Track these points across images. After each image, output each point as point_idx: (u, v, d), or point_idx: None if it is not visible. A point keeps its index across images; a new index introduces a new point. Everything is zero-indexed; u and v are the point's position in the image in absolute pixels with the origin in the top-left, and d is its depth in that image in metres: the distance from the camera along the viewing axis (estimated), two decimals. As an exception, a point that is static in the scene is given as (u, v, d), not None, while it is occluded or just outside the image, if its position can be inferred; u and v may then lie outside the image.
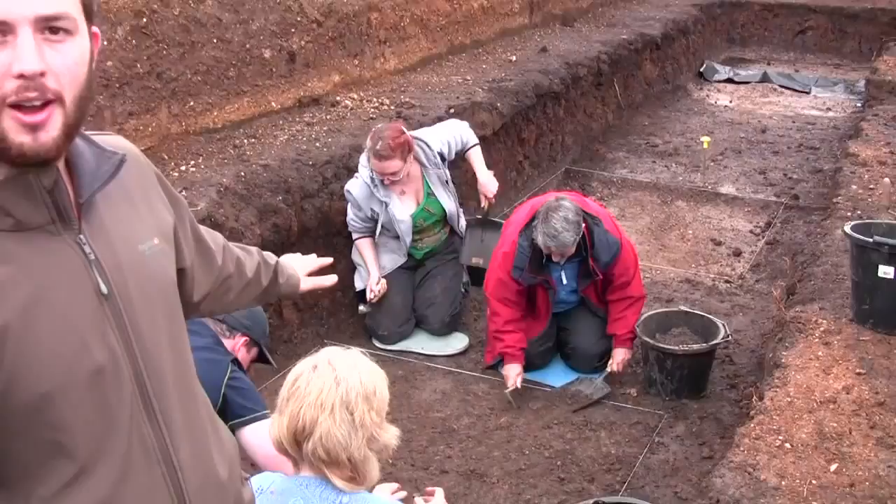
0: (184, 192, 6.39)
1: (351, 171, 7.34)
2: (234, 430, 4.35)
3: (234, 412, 4.37)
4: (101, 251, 2.15)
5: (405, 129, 6.99)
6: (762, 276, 8.33)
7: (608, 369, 6.59)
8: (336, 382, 3.10)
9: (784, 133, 12.58)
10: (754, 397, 5.22)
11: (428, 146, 7.14)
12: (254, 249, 3.21)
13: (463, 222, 7.48)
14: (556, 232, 6.10)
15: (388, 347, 7.04)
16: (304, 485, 3.19)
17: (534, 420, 6.28)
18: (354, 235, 7.21)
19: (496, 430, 6.17)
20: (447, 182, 7.22)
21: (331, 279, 3.72)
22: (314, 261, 3.66)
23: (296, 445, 3.14)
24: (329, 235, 7.25)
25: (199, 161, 6.98)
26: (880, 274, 5.50)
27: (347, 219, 7.16)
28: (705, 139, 10.74)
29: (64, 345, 2.05)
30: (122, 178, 2.25)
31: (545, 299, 6.64)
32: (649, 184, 10.52)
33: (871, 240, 5.53)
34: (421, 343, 7.09)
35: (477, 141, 7.67)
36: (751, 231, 9.40)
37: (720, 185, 10.49)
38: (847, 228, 5.77)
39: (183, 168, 6.82)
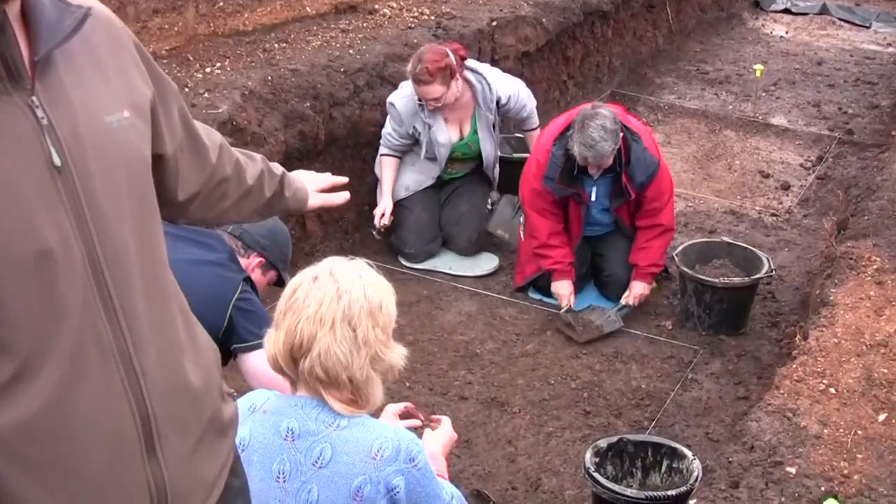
0: (206, 95, 6.15)
1: (384, 80, 7.03)
2: (236, 354, 4.12)
3: (238, 335, 4.07)
4: (57, 117, 1.85)
5: (450, 53, 6.49)
6: (811, 211, 7.96)
7: (622, 302, 6.29)
8: (338, 295, 2.82)
9: (841, 66, 12.10)
10: (798, 336, 4.88)
11: (489, 85, 6.67)
12: (258, 157, 2.88)
13: (497, 170, 7.04)
14: (592, 141, 5.76)
15: (415, 266, 6.73)
16: (299, 405, 2.92)
17: (561, 349, 6.00)
18: (383, 150, 6.82)
19: (521, 357, 5.90)
20: (494, 127, 6.79)
21: (342, 196, 3.41)
22: (327, 178, 3.37)
23: (292, 363, 2.86)
24: (358, 146, 6.93)
25: (226, 63, 6.69)
26: (941, 210, 5.12)
27: (383, 132, 6.77)
28: (758, 67, 10.33)
29: (5, 221, 1.77)
30: (90, 38, 1.95)
31: (577, 216, 6.30)
32: (697, 111, 10.12)
33: (933, 173, 5.15)
34: (448, 263, 6.76)
35: (538, 123, 7.12)
36: (801, 165, 9.01)
37: (771, 116, 10.09)
38: (907, 160, 5.38)
39: (208, 70, 6.54)
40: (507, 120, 7.24)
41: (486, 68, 6.84)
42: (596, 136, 5.74)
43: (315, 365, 2.79)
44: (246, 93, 6.23)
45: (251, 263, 4.36)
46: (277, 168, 2.97)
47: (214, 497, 2.28)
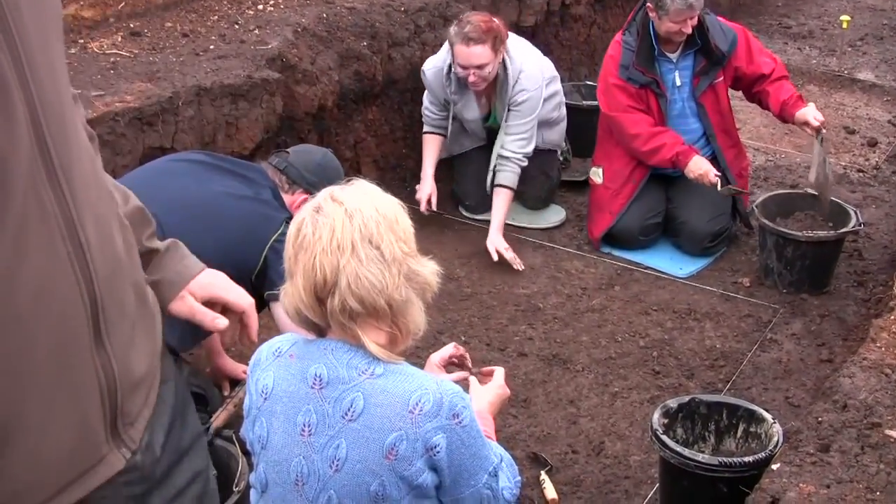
0: (256, 31, 5.92)
1: (447, 20, 6.64)
2: (268, 302, 3.85)
3: (272, 281, 3.79)
4: None
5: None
6: (900, 168, 7.51)
7: (811, 129, 5.79)
8: (349, 216, 2.49)
9: (932, 22, 11.60)
10: (895, 285, 4.44)
11: (516, 80, 5.95)
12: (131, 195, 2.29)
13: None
14: None
15: (476, 217, 6.34)
16: (329, 349, 2.58)
17: (630, 304, 5.63)
18: (425, 127, 6.29)
19: (587, 312, 5.54)
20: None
21: (219, 323, 2.46)
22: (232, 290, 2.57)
23: (318, 307, 2.52)
24: (419, 90, 6.55)
25: (280, 1, 6.38)
26: None
27: (423, 105, 6.29)
28: (845, 18, 9.83)
29: None
30: None
31: (659, 115, 5.92)
32: (779, 65, 9.66)
33: None
34: (512, 214, 6.29)
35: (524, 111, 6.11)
36: (889, 121, 8.54)
37: (857, 72, 9.61)
38: None
39: (260, 7, 6.28)
40: None
41: (521, 55, 6.05)
42: None
43: (347, 297, 2.46)
44: (299, 30, 5.95)
45: (296, 201, 4.06)
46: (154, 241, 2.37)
47: (152, 400, 1.99)
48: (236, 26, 5.94)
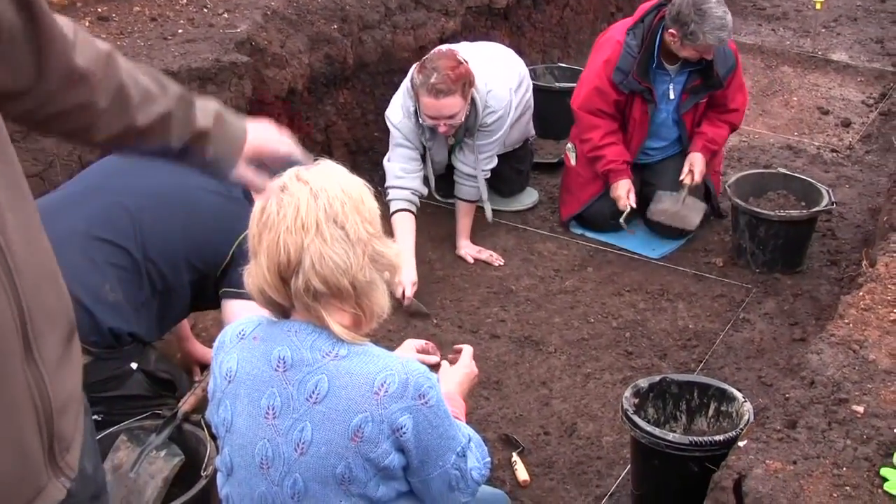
0: (224, 15, 5.86)
1: (418, 3, 6.64)
2: (222, 298, 3.87)
3: (231, 279, 3.77)
4: None
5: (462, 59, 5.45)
6: (873, 147, 7.50)
7: (686, 181, 5.90)
8: (314, 195, 2.47)
9: (906, 3, 11.60)
10: (864, 262, 4.42)
11: (482, 107, 5.58)
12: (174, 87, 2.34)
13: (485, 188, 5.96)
14: (723, 20, 5.41)
15: (450, 200, 6.18)
16: (293, 331, 2.56)
17: (603, 285, 5.62)
18: (395, 204, 5.58)
19: (559, 293, 5.52)
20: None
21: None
22: (282, 142, 2.70)
23: (282, 286, 2.50)
24: (390, 72, 6.52)
25: (250, -17, 6.29)
26: None
27: (388, 172, 5.66)
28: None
29: None
30: None
31: (642, 121, 5.88)
32: (753, 46, 9.64)
33: None
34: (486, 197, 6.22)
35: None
36: (863, 101, 8.53)
37: (831, 52, 9.59)
38: None
39: (230, -10, 6.16)
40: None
41: (486, 73, 5.61)
42: (721, 13, 5.42)
43: (311, 277, 2.44)
44: (268, 13, 5.87)
45: None
46: (213, 102, 2.46)
47: (81, 425, 1.97)
48: (205, 10, 5.89)
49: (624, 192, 5.81)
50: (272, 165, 2.62)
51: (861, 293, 3.87)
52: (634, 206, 5.83)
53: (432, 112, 5.33)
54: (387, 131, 5.71)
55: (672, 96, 5.81)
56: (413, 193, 5.56)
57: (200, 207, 3.85)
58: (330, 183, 2.50)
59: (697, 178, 5.87)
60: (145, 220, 3.71)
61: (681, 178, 5.88)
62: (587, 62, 6.07)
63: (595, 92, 5.76)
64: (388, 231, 5.10)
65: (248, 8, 5.89)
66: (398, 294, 5.23)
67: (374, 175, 6.19)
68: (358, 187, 2.57)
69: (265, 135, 2.62)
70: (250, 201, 3.88)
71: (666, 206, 5.89)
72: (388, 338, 4.85)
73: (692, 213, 5.87)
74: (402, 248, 5.34)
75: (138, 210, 3.72)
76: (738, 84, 5.94)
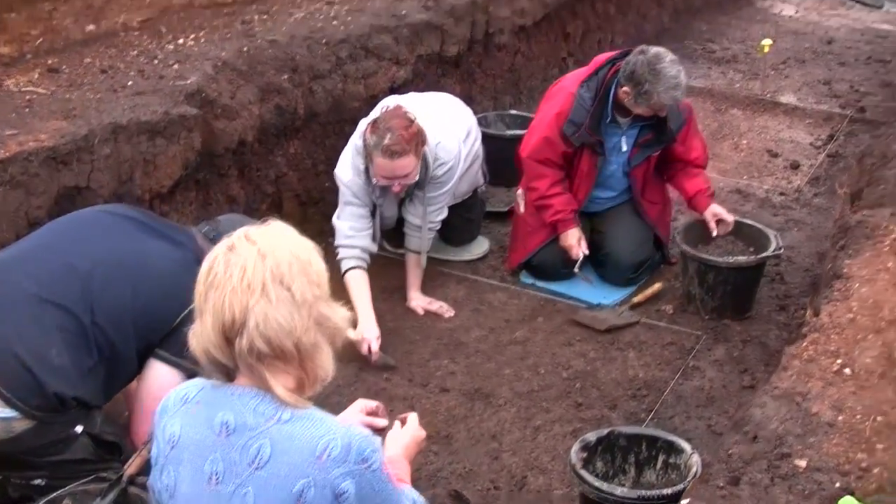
0: (175, 66, 5.84)
1: (369, 52, 6.64)
2: (152, 358, 3.80)
3: (169, 344, 3.74)
4: None
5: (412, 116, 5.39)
6: (821, 190, 7.59)
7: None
8: (261, 256, 2.47)
9: (852, 45, 11.75)
10: (808, 311, 4.46)
11: (433, 160, 5.57)
12: None
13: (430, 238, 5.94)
14: (677, 79, 5.44)
15: (399, 251, 6.13)
16: (236, 395, 2.55)
17: (553, 335, 5.62)
18: (347, 262, 5.54)
19: (509, 344, 5.53)
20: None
21: None
22: None
23: (227, 346, 2.48)
24: (341, 122, 6.52)
25: (200, 35, 6.36)
26: (961, 175, 4.67)
27: (339, 231, 5.61)
28: (765, 42, 9.96)
29: None
30: None
31: (589, 173, 5.91)
32: (703, 90, 9.72)
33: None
34: (436, 248, 6.17)
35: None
36: (811, 143, 8.63)
37: (780, 95, 9.71)
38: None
39: (180, 41, 6.22)
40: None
41: (434, 124, 5.55)
42: (675, 73, 5.46)
43: (255, 338, 2.43)
44: (219, 64, 5.88)
45: None
46: None
47: None
48: (155, 61, 5.88)
49: (575, 241, 5.84)
50: None
51: (805, 344, 3.91)
52: (587, 252, 5.85)
53: (386, 173, 5.31)
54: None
55: (624, 149, 5.85)
56: (363, 251, 5.55)
57: (155, 274, 3.82)
58: (278, 243, 2.51)
59: (729, 218, 5.90)
60: (95, 284, 3.68)
61: (713, 234, 5.89)
62: (537, 111, 6.11)
63: (544, 142, 5.78)
64: (340, 289, 5.16)
65: (199, 59, 5.89)
66: (364, 351, 5.23)
67: (325, 226, 6.18)
68: (306, 249, 2.57)
69: None
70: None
71: (599, 314, 5.83)
72: (338, 392, 4.83)
73: (616, 319, 5.79)
74: (360, 304, 5.37)
75: (89, 274, 3.69)
76: (692, 133, 6.00)
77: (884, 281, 4.36)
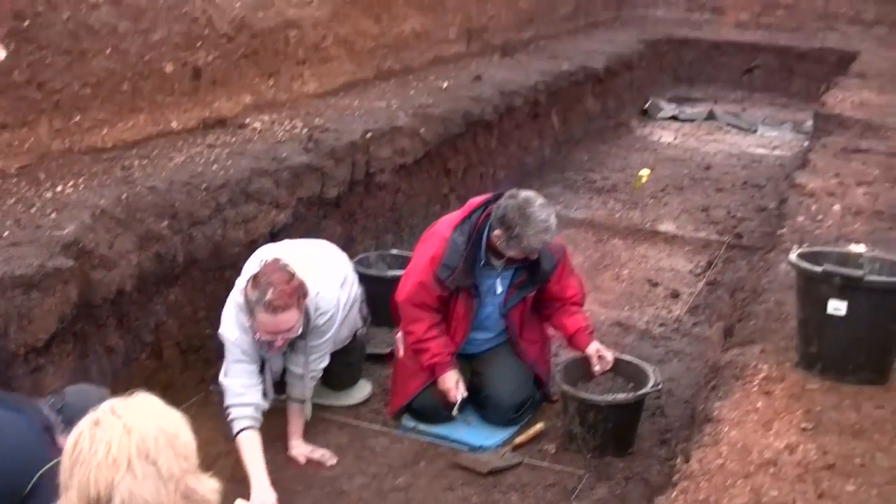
0: (52, 216, 5.73)
1: (249, 196, 6.65)
2: None
3: None
4: None
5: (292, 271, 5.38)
6: (700, 318, 7.75)
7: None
8: (126, 431, 2.47)
9: (729, 170, 12.16)
10: (679, 458, 4.51)
11: (313, 309, 5.59)
12: None
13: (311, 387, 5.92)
14: (546, 223, 5.54)
15: (282, 397, 5.99)
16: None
17: (436, 480, 5.58)
18: (239, 423, 5.40)
19: (392, 491, 5.47)
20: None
21: None
22: None
23: None
24: (222, 268, 6.51)
25: (80, 182, 6.27)
26: (830, 310, 4.75)
27: (228, 391, 5.48)
28: (643, 172, 10.20)
29: None
30: None
31: (465, 315, 5.97)
32: (584, 221, 9.96)
33: (819, 269, 4.82)
34: (317, 393, 6.13)
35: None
36: (690, 271, 8.83)
37: (659, 223, 9.96)
38: (793, 257, 5.04)
39: (59, 189, 6.12)
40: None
41: (311, 275, 5.55)
42: (545, 216, 5.55)
43: None
44: (97, 212, 5.80)
45: None
46: None
47: None
48: (33, 210, 5.81)
49: (452, 384, 5.87)
50: None
51: (675, 494, 3.95)
52: (465, 394, 5.88)
53: (270, 328, 5.25)
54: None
55: (499, 291, 5.93)
56: (256, 409, 5.45)
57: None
58: (144, 417, 2.51)
59: (609, 356, 5.97)
60: None
61: (595, 370, 5.95)
62: (413, 255, 6.18)
63: (419, 287, 5.83)
64: (233, 450, 5.10)
65: (77, 207, 5.82)
66: None
67: (206, 373, 6.17)
68: (173, 421, 2.56)
69: None
70: (50, 434, 3.81)
71: (481, 457, 5.81)
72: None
73: (498, 461, 5.77)
74: (254, 469, 5.26)
75: None
76: (566, 273, 6.09)
77: (752, 422, 4.45)
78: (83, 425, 2.51)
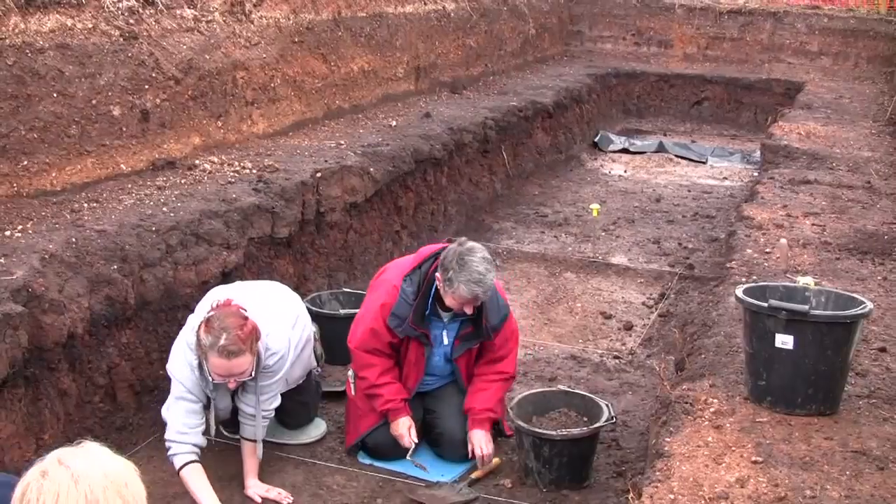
0: (1, 260, 5.68)
1: (199, 237, 6.66)
2: None
3: None
4: None
5: (244, 311, 5.40)
6: (654, 350, 7.78)
7: (473, 463, 5.98)
8: (74, 481, 2.46)
9: (679, 202, 12.24)
10: (631, 495, 4.52)
11: (265, 350, 5.57)
12: None
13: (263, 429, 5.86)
14: (480, 275, 5.49)
15: (236, 436, 6.00)
16: None
17: (393, 518, 5.55)
18: (182, 457, 5.43)
19: (349, 529, 5.44)
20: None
21: None
22: None
23: None
24: (174, 309, 6.50)
25: (28, 226, 6.25)
26: (778, 344, 4.81)
27: (171, 428, 5.49)
28: (594, 207, 10.26)
29: None
30: None
31: (418, 361, 5.97)
32: (537, 255, 9.99)
33: (766, 305, 4.87)
34: (272, 431, 6.15)
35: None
36: (643, 303, 8.88)
37: (611, 256, 10.02)
38: (739, 292, 5.08)
39: (7, 234, 6.10)
40: None
41: (262, 315, 5.54)
42: (482, 269, 5.51)
43: None
44: (46, 257, 5.78)
45: None
46: None
47: None
48: (-20, 256, 5.80)
49: (405, 430, 5.88)
50: None
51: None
52: (417, 441, 5.88)
53: (223, 372, 5.27)
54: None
55: (445, 342, 5.95)
56: (195, 447, 5.48)
57: None
58: (92, 467, 2.49)
59: (488, 452, 5.94)
60: None
61: (473, 459, 5.94)
62: (364, 300, 6.17)
63: (371, 333, 5.85)
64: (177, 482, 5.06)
65: (26, 252, 5.79)
66: None
67: (160, 415, 6.10)
68: (121, 470, 2.55)
69: None
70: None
71: (443, 492, 5.79)
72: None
73: (455, 496, 5.75)
74: (205, 497, 5.35)
75: None
76: (509, 332, 6.08)
77: (703, 457, 4.47)
78: (30, 476, 2.49)
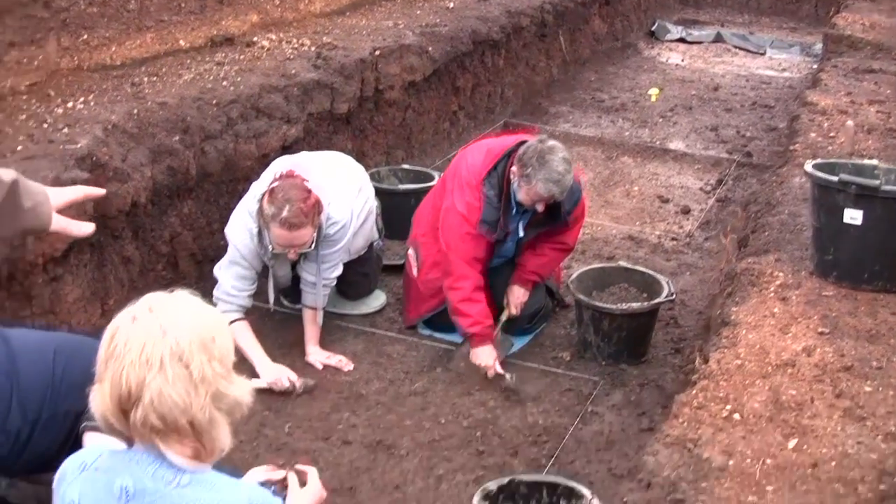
0: (65, 130, 5.72)
1: (260, 111, 6.66)
2: (83, 432, 3.60)
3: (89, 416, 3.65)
4: None
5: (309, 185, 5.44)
6: (712, 234, 7.74)
7: (504, 316, 5.97)
8: (162, 331, 2.46)
9: (737, 91, 12.07)
10: (698, 359, 4.53)
11: (327, 219, 5.60)
12: None
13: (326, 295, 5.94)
14: (559, 175, 5.41)
15: (297, 306, 6.07)
16: (134, 460, 2.54)
17: (453, 385, 5.64)
18: (227, 316, 5.38)
19: (410, 396, 5.53)
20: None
21: (87, 228, 3.10)
22: (76, 191, 2.90)
23: (123, 417, 2.48)
24: (234, 181, 6.52)
25: (90, 98, 6.25)
26: (846, 219, 4.78)
27: (221, 286, 5.61)
28: (653, 91, 10.16)
29: None
30: None
31: (489, 253, 5.92)
32: (594, 139, 9.92)
33: (836, 179, 4.82)
34: (333, 302, 6.19)
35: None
36: (700, 188, 8.82)
37: (669, 141, 9.93)
38: (808, 167, 5.04)
39: (70, 105, 6.11)
40: None
41: (325, 185, 5.59)
42: (561, 170, 5.42)
43: (149, 413, 2.43)
44: (109, 127, 5.79)
45: None
46: (8, 173, 2.55)
47: None
48: (45, 125, 5.79)
49: (491, 361, 5.64)
50: None
51: (694, 391, 3.98)
52: (501, 371, 5.66)
53: (283, 242, 5.37)
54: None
55: (521, 234, 5.87)
56: (242, 307, 5.61)
57: (82, 352, 3.75)
58: (181, 318, 2.51)
59: (515, 311, 5.96)
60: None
61: (504, 315, 5.95)
62: (445, 191, 5.95)
63: (470, 239, 5.70)
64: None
65: (89, 122, 5.81)
66: (282, 388, 5.40)
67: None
68: (210, 324, 2.57)
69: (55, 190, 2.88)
70: None
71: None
72: (240, 448, 4.76)
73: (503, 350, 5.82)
74: (253, 352, 5.53)
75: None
76: (580, 213, 6.03)
77: (769, 326, 4.47)
78: (120, 321, 2.51)
